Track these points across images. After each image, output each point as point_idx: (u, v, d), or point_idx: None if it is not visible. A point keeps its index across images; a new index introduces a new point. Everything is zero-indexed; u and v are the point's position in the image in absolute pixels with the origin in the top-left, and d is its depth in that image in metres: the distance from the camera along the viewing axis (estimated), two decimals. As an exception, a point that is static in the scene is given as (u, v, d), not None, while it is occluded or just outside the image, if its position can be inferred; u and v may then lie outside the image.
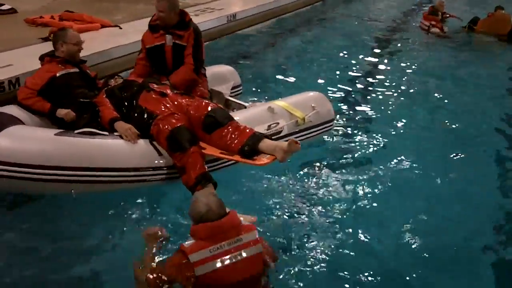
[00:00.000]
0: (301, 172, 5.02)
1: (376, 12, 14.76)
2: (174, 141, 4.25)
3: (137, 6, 10.30)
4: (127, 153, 4.29)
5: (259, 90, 7.25)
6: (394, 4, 16.06)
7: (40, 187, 4.15)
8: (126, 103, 4.73)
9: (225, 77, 6.21)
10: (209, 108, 4.45)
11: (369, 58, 9.62)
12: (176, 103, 4.54)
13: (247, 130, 4.32)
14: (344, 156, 5.45)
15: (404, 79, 8.47)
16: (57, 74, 4.83)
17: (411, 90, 7.90)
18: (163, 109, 4.49)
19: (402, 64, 9.35)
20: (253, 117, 4.99)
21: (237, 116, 4.85)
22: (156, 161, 4.36)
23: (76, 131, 4.36)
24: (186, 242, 3.11)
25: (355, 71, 8.72)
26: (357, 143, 5.79)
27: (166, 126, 4.32)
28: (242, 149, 4.20)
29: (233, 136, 4.28)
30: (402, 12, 14.79)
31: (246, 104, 5.70)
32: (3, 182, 4.14)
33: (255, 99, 6.45)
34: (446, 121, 6.67)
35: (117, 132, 4.46)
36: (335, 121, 5.74)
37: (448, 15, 12.66)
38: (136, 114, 4.59)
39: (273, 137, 4.87)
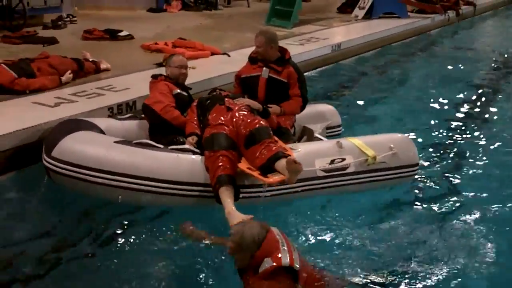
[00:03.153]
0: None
1: (487, 44, 13.91)
2: (210, 140, 4.40)
3: (245, 35, 10.66)
4: (177, 166, 4.39)
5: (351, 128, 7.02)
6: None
7: (91, 189, 4.41)
8: (205, 114, 4.90)
9: (322, 116, 6.13)
10: (256, 126, 4.51)
11: (472, 98, 8.92)
12: (234, 119, 4.62)
13: (274, 148, 4.31)
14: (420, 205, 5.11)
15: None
16: (173, 93, 5.18)
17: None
18: (219, 120, 4.62)
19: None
20: (318, 149, 4.90)
21: (301, 147, 4.83)
22: (204, 178, 4.39)
23: (134, 141, 4.60)
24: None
25: (452, 113, 8.07)
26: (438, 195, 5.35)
27: (211, 131, 4.48)
28: (262, 166, 4.25)
29: (261, 152, 4.31)
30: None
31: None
32: (60, 179, 4.49)
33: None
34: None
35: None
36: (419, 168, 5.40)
37: None
38: (203, 125, 4.78)
39: (337, 173, 4.80)
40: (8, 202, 4.64)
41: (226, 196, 4.14)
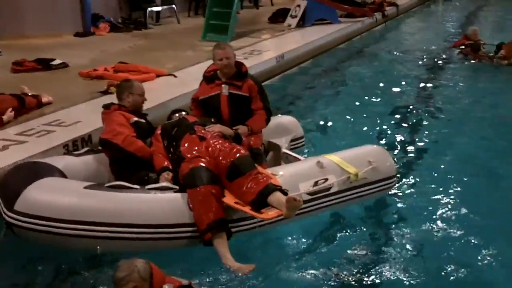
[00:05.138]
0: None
1: (415, 41, 14.63)
2: (190, 177, 4.12)
3: (185, 53, 10.45)
4: (158, 208, 4.08)
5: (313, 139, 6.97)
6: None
7: (66, 242, 4.02)
8: (173, 143, 4.62)
9: (285, 128, 5.94)
10: (237, 156, 4.27)
11: (412, 95, 9.38)
12: (210, 149, 4.38)
13: (262, 181, 4.08)
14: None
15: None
16: (131, 121, 4.79)
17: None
18: (194, 152, 4.36)
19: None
20: (299, 172, 4.70)
21: (282, 171, 4.61)
22: (190, 218, 4.09)
23: (106, 185, 4.22)
24: None
25: (395, 112, 8.36)
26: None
27: (189, 166, 4.20)
28: (253, 201, 4.02)
29: (249, 186, 4.09)
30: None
31: (302, 158, 5.40)
32: (30, 235, 4.06)
33: (313, 149, 6.21)
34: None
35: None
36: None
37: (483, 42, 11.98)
38: (176, 156, 4.49)
39: (321, 194, 4.62)
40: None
41: (221, 245, 3.95)
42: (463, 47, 12.08)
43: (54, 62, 9.12)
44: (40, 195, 4.04)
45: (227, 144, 4.49)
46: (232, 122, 5.12)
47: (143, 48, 11.09)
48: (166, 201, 4.12)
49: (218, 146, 4.41)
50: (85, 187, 4.12)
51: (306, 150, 6.17)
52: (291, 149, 5.72)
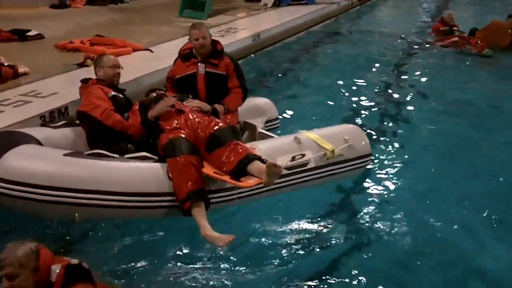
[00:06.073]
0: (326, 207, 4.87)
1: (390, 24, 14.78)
2: (170, 147, 4.14)
3: (161, 28, 10.39)
4: (138, 176, 4.09)
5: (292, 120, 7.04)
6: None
7: (43, 208, 4.02)
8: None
9: (260, 110, 5.97)
10: (215, 128, 4.32)
11: (389, 78, 9.48)
12: (188, 122, 4.42)
13: (241, 151, 4.13)
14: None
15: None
16: (109, 95, 4.76)
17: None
18: (173, 125, 4.38)
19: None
20: (277, 147, 4.74)
21: (260, 145, 4.64)
22: (169, 187, 4.12)
23: (85, 153, 4.23)
24: None
25: (373, 94, 8.48)
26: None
27: (168, 137, 4.23)
28: (233, 170, 4.05)
29: (228, 156, 4.12)
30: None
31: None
32: (6, 201, 4.04)
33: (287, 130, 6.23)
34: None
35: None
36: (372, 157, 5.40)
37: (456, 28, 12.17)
38: (152, 129, 4.50)
39: (298, 169, 4.68)
40: None
41: (200, 215, 3.95)
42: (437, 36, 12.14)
43: (30, 33, 9.02)
44: (19, 161, 4.03)
45: (206, 117, 4.54)
46: (209, 101, 5.11)
47: (118, 22, 11.02)
48: (145, 170, 4.13)
49: (197, 119, 4.45)
50: (64, 155, 4.13)
51: (280, 132, 6.16)
52: (264, 130, 5.75)
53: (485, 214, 4.80)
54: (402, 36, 12.81)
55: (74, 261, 2.94)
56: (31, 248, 2.86)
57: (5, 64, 6.68)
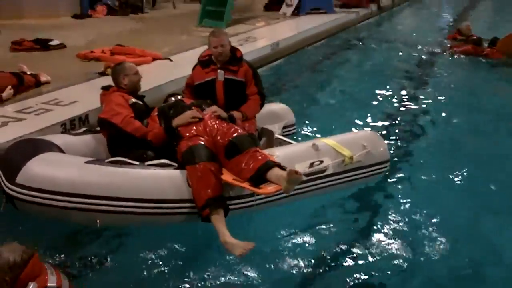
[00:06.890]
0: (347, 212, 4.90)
1: (409, 33, 14.69)
2: (189, 154, 4.18)
3: (181, 38, 10.50)
4: (158, 183, 4.14)
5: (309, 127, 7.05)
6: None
7: (66, 215, 4.08)
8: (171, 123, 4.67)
9: (278, 116, 6.04)
10: (234, 135, 4.34)
11: (405, 87, 9.36)
12: (208, 129, 4.46)
13: (260, 158, 4.14)
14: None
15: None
16: (129, 102, 4.84)
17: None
18: (192, 132, 4.41)
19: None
20: (295, 153, 4.76)
21: (278, 152, 4.67)
22: (189, 194, 4.15)
23: (107, 160, 4.30)
24: None
25: (391, 103, 8.43)
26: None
27: (188, 144, 4.27)
28: (252, 177, 4.06)
29: (247, 163, 4.13)
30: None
31: (294, 143, 5.46)
32: (30, 208, 4.11)
33: (305, 136, 6.29)
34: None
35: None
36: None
37: (475, 38, 11.95)
38: (173, 136, 4.54)
39: (316, 176, 4.70)
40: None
41: (219, 221, 3.97)
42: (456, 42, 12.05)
43: (52, 43, 9.17)
44: (43, 168, 4.09)
45: (224, 124, 4.57)
46: (227, 107, 5.16)
47: (139, 31, 11.15)
48: (166, 177, 4.18)
49: (216, 126, 4.49)
50: (86, 162, 4.19)
51: (298, 138, 6.23)
52: (281, 136, 5.78)
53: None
54: (421, 44, 12.77)
55: (53, 282, 2.94)
56: (9, 259, 2.83)
57: (28, 73, 6.81)
